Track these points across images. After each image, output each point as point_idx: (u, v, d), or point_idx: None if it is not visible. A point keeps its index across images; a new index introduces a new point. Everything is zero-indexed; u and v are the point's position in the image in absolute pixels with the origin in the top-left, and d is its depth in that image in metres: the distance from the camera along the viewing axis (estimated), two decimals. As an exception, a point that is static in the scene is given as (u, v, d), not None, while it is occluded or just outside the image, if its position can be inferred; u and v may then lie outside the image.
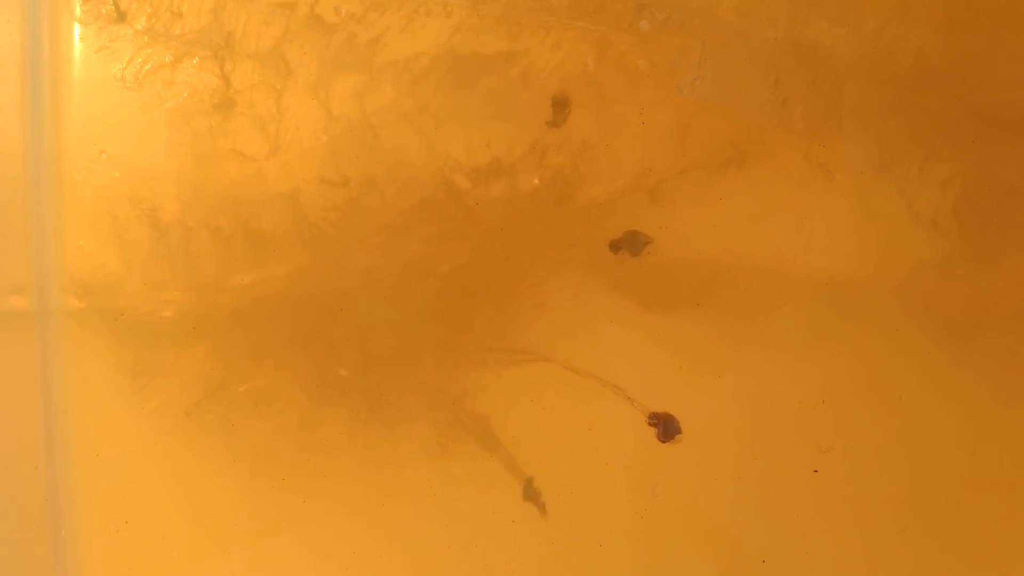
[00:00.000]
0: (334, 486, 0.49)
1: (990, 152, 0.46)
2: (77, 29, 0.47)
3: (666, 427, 0.47)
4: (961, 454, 0.47)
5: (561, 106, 0.47)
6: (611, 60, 0.46)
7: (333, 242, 0.48)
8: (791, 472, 0.47)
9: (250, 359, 0.49)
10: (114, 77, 0.47)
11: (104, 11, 0.47)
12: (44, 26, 0.47)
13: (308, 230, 0.48)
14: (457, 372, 0.49)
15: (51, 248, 0.48)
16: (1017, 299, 0.47)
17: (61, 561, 0.49)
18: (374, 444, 0.49)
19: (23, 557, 0.49)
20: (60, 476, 0.49)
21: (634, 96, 0.46)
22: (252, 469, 0.49)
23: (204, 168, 0.48)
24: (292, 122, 0.48)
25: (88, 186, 0.48)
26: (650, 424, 0.47)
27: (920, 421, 0.46)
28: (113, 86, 0.47)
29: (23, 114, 0.47)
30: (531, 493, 0.48)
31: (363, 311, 0.49)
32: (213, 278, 0.49)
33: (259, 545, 0.49)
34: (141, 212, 0.48)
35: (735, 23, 0.46)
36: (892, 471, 0.46)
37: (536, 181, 0.48)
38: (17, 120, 0.47)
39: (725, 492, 0.47)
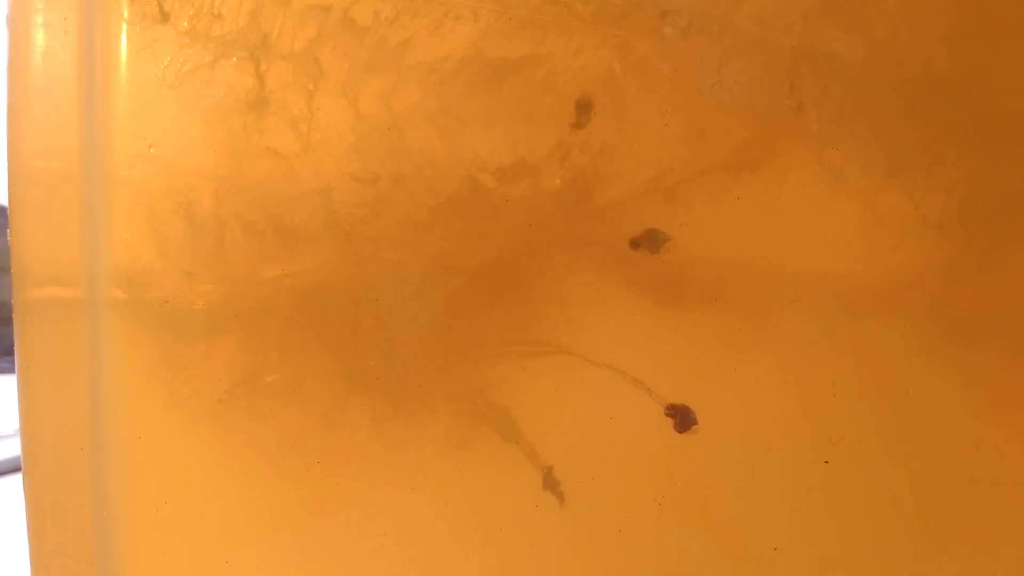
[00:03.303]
0: (362, 473, 0.50)
1: (995, 157, 0.47)
2: (125, 29, 0.48)
3: (683, 418, 0.48)
4: (965, 447, 0.47)
5: (584, 109, 0.48)
6: (633, 64, 0.48)
7: (362, 238, 0.50)
8: (802, 462, 0.48)
9: (279, 350, 0.51)
10: (155, 76, 0.49)
11: (149, 12, 0.48)
12: (96, 26, 0.48)
13: (338, 226, 0.50)
14: (480, 364, 0.50)
15: (100, 241, 0.49)
16: (1019, 300, 0.48)
17: (104, 539, 0.50)
18: (399, 433, 0.50)
19: (68, 535, 0.50)
20: (104, 458, 0.50)
21: (655, 100, 0.48)
22: (282, 456, 0.50)
23: (238, 165, 0.50)
24: (323, 121, 0.50)
25: (129, 182, 0.49)
26: (668, 415, 0.48)
27: (926, 415, 0.47)
28: (155, 85, 0.49)
29: (79, 112, 0.49)
30: (551, 482, 0.49)
31: (390, 305, 0.50)
32: (245, 271, 0.50)
33: (292, 527, 0.50)
34: (177, 206, 0.50)
35: (753, 30, 0.47)
36: (899, 462, 0.47)
37: (559, 181, 0.49)
38: (74, 117, 0.49)
39: (739, 481, 0.48)
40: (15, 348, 0.51)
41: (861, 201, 0.47)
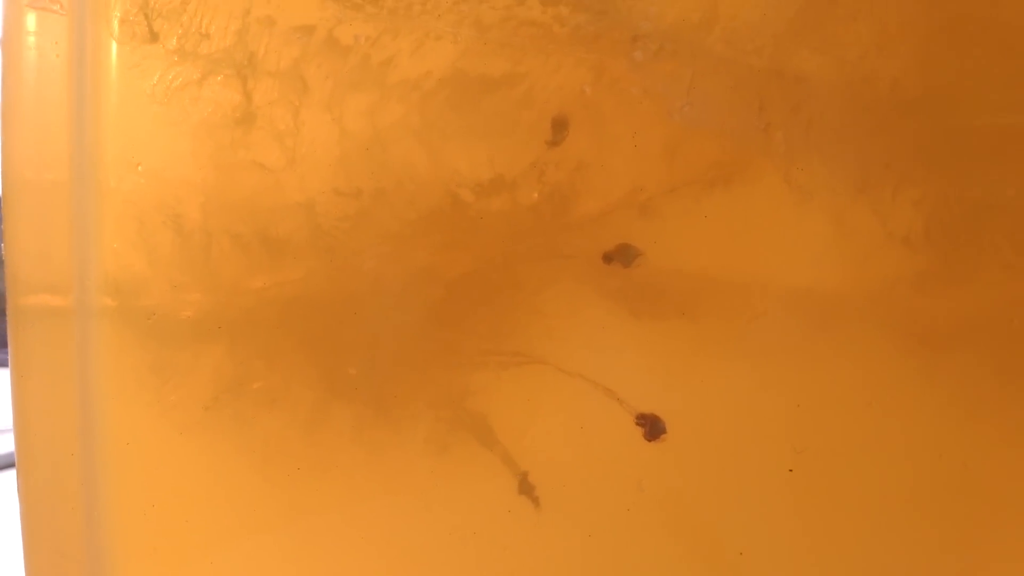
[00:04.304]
0: (344, 477, 0.51)
1: (960, 175, 0.48)
2: (115, 48, 0.50)
3: (652, 427, 0.49)
4: (927, 457, 0.48)
5: (560, 127, 0.50)
6: (607, 86, 0.49)
7: (345, 250, 0.51)
8: (767, 471, 0.49)
9: (264, 358, 0.52)
10: (145, 93, 0.50)
11: (138, 31, 0.50)
12: (87, 45, 0.50)
13: (322, 238, 0.51)
14: (459, 373, 0.51)
15: (91, 251, 0.51)
16: (982, 313, 0.49)
17: (94, 539, 0.51)
18: (380, 440, 0.51)
19: (60, 535, 0.52)
20: (94, 462, 0.51)
21: (628, 119, 0.49)
22: (266, 460, 0.51)
23: (225, 178, 0.51)
24: (308, 136, 0.51)
25: (119, 193, 0.51)
26: (638, 424, 0.49)
27: (888, 426, 0.48)
28: (144, 101, 0.50)
29: (69, 127, 0.50)
30: (526, 487, 0.51)
31: (372, 315, 0.51)
32: (231, 281, 0.52)
33: (276, 528, 0.51)
34: (166, 218, 0.51)
35: (723, 52, 0.48)
36: (862, 471, 0.49)
37: (535, 196, 0.50)
38: (66, 131, 0.50)
39: (706, 488, 0.49)
40: (9, 354, 0.53)
41: (828, 217, 0.48)
